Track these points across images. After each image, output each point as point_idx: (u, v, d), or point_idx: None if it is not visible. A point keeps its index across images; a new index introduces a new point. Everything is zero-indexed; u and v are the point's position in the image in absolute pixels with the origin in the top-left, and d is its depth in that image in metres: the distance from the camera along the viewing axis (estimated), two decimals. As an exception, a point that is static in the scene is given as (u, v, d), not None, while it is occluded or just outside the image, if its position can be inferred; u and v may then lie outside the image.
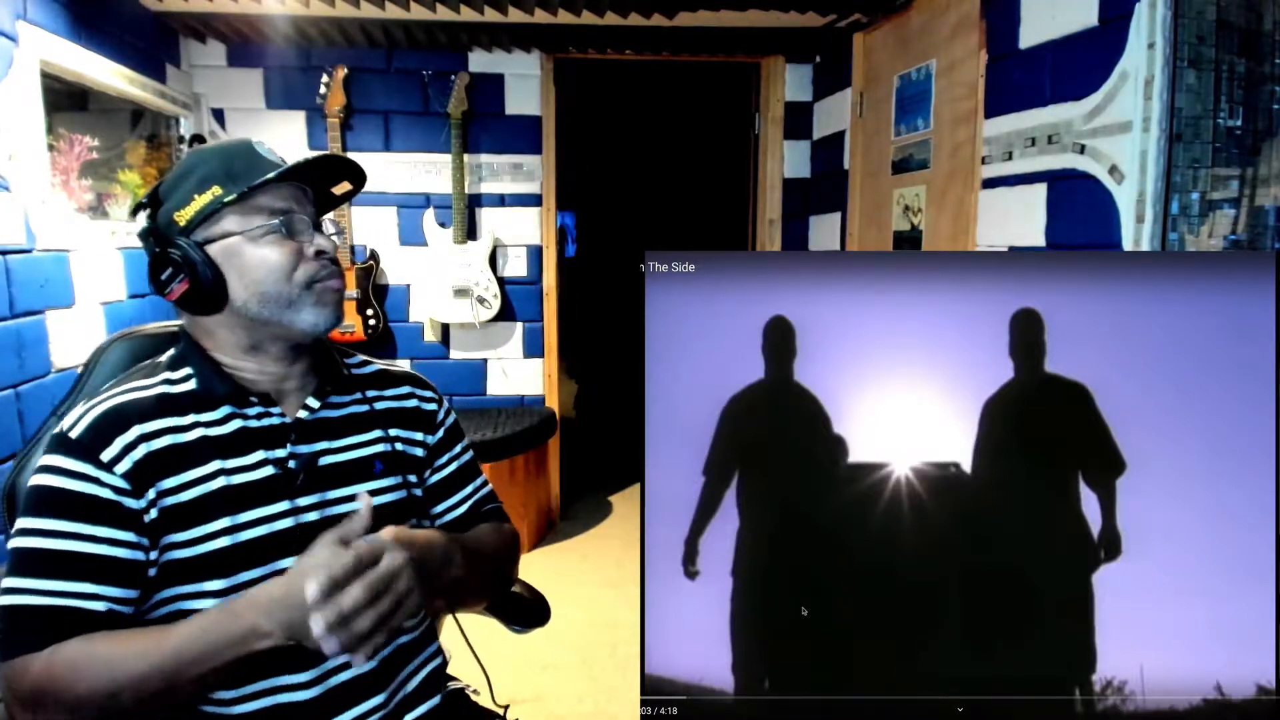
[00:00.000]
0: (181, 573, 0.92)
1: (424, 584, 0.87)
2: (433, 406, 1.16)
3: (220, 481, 0.94)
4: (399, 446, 1.09)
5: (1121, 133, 1.65)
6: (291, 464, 0.99)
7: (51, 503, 0.88)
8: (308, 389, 1.05)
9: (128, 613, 0.89)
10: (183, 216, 0.97)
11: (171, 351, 1.03)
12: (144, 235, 1.00)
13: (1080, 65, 1.77)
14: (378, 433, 1.08)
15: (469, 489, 1.17)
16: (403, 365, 1.33)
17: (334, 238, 1.04)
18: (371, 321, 3.27)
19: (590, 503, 3.88)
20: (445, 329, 3.42)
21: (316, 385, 1.06)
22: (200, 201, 0.96)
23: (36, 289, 1.97)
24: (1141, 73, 1.59)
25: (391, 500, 1.06)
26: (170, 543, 0.92)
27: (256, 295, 0.97)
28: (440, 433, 1.15)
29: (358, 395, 1.09)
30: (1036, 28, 1.93)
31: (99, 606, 0.86)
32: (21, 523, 0.88)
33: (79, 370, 1.19)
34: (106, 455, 0.89)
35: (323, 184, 1.07)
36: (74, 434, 0.91)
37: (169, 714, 0.90)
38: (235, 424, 0.98)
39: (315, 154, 1.02)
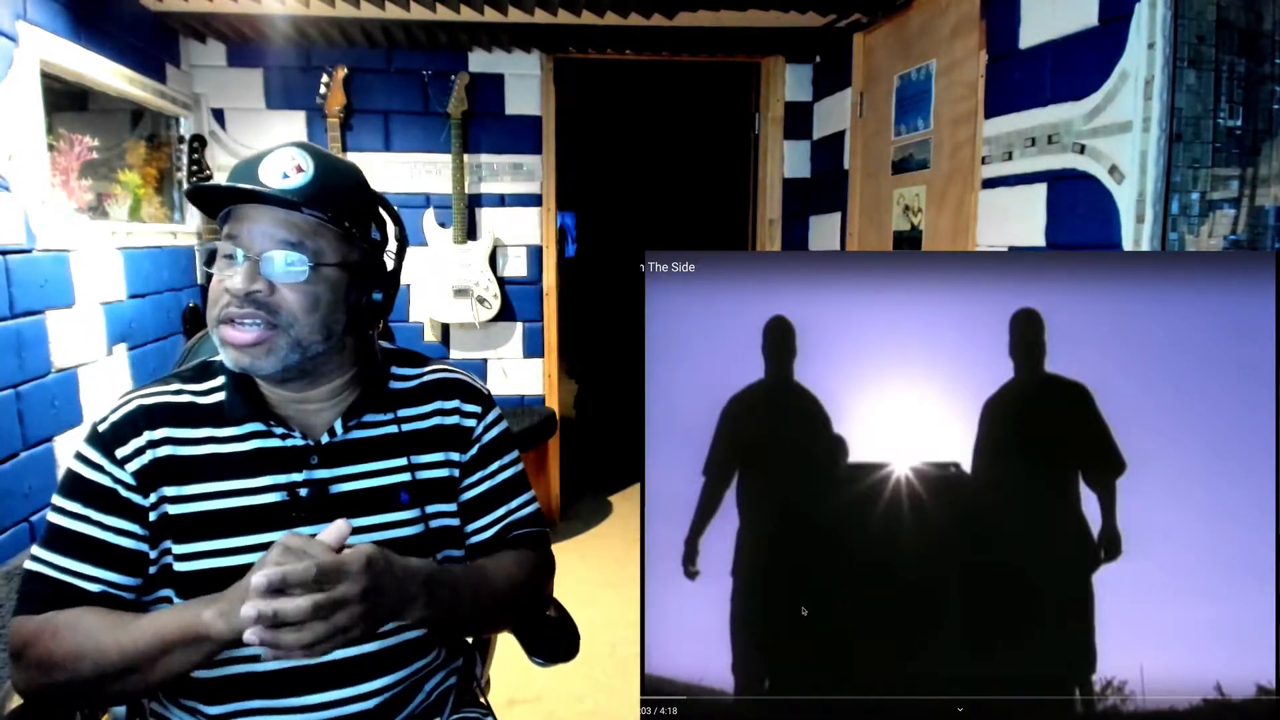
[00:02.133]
0: (171, 583, 0.93)
1: (376, 616, 0.82)
2: (471, 423, 1.06)
3: (223, 502, 0.94)
4: (420, 475, 1.02)
5: (1121, 133, 1.65)
6: (303, 491, 0.95)
7: (73, 487, 0.93)
8: (340, 408, 1.00)
9: (126, 598, 0.92)
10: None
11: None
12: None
13: (1080, 65, 1.77)
14: (406, 459, 1.01)
15: (500, 511, 1.08)
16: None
17: (285, 266, 0.89)
18: (371, 321, 3.27)
19: (590, 503, 3.87)
20: (445, 329, 3.42)
21: (352, 403, 1.00)
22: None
23: (36, 289, 1.97)
24: (1141, 73, 1.59)
25: (407, 535, 1.00)
26: (166, 549, 0.93)
27: None
28: (474, 450, 1.06)
29: (393, 415, 1.02)
30: (1036, 28, 1.93)
31: (94, 588, 0.90)
32: (53, 499, 0.94)
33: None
34: (121, 453, 0.92)
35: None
36: (101, 428, 0.94)
37: (130, 698, 0.94)
38: (255, 443, 0.96)
39: (247, 185, 0.89)
